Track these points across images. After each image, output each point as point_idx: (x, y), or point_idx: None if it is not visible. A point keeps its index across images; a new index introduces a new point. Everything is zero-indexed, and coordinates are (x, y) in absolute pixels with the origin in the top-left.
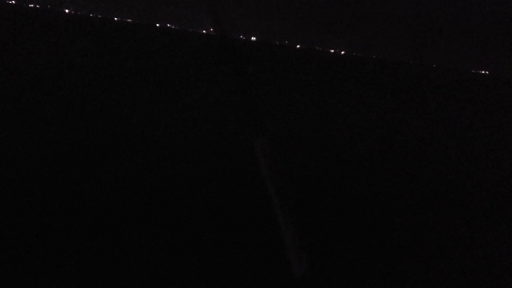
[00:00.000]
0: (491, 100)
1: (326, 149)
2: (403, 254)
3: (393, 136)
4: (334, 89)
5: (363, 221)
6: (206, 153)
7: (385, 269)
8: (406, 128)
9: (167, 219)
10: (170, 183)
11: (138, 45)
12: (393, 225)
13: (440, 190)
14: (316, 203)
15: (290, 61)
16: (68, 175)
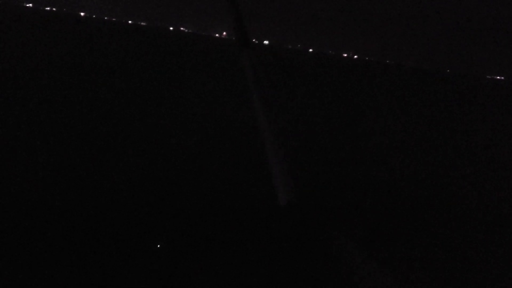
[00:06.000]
0: (506, 105)
1: (339, 150)
2: (404, 253)
3: (407, 139)
4: (347, 92)
5: (365, 221)
6: (213, 152)
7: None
8: (421, 132)
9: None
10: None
11: (151, 48)
12: (396, 224)
13: (455, 194)
14: (325, 205)
15: (303, 65)
16: (77, 173)
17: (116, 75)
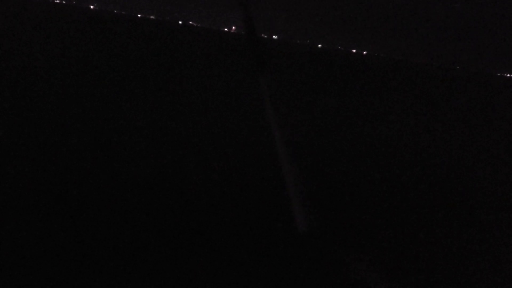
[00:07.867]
0: None
1: (347, 146)
2: (405, 252)
3: (416, 135)
4: (355, 89)
5: (367, 218)
6: (226, 149)
7: (386, 267)
8: (430, 129)
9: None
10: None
11: (160, 42)
12: (396, 222)
13: (464, 191)
14: (332, 203)
15: (311, 60)
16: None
17: (125, 69)
